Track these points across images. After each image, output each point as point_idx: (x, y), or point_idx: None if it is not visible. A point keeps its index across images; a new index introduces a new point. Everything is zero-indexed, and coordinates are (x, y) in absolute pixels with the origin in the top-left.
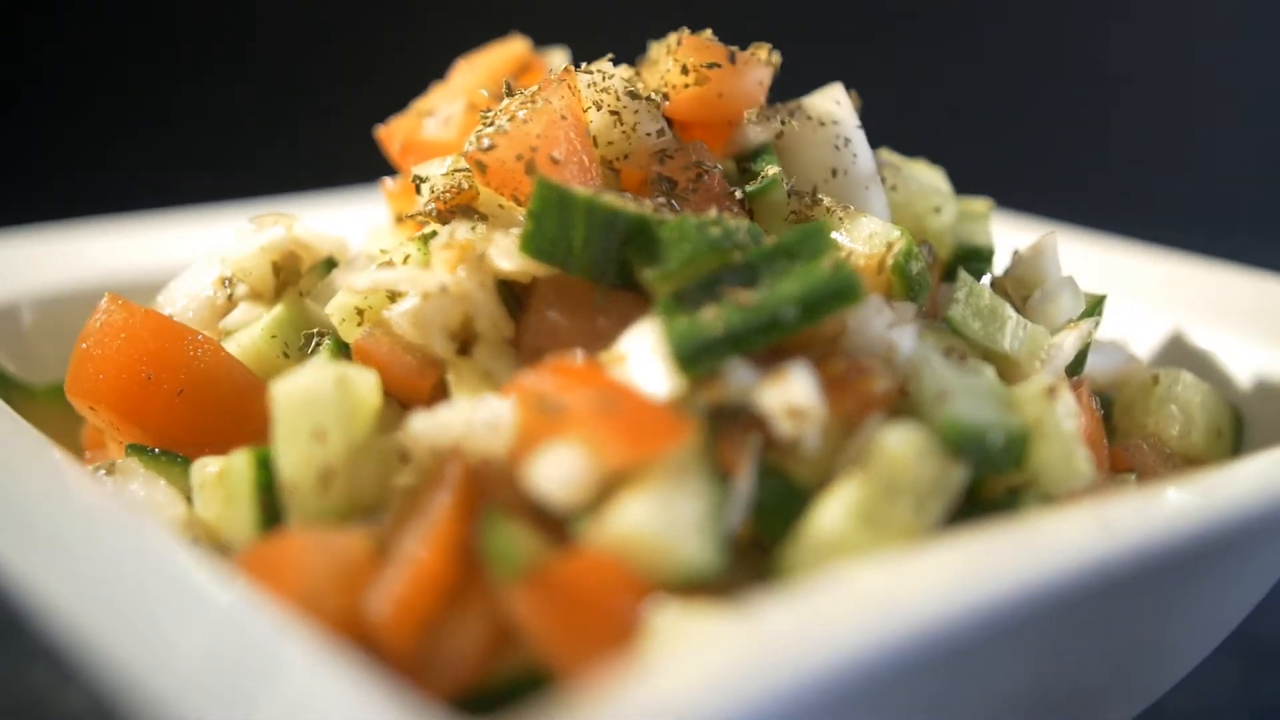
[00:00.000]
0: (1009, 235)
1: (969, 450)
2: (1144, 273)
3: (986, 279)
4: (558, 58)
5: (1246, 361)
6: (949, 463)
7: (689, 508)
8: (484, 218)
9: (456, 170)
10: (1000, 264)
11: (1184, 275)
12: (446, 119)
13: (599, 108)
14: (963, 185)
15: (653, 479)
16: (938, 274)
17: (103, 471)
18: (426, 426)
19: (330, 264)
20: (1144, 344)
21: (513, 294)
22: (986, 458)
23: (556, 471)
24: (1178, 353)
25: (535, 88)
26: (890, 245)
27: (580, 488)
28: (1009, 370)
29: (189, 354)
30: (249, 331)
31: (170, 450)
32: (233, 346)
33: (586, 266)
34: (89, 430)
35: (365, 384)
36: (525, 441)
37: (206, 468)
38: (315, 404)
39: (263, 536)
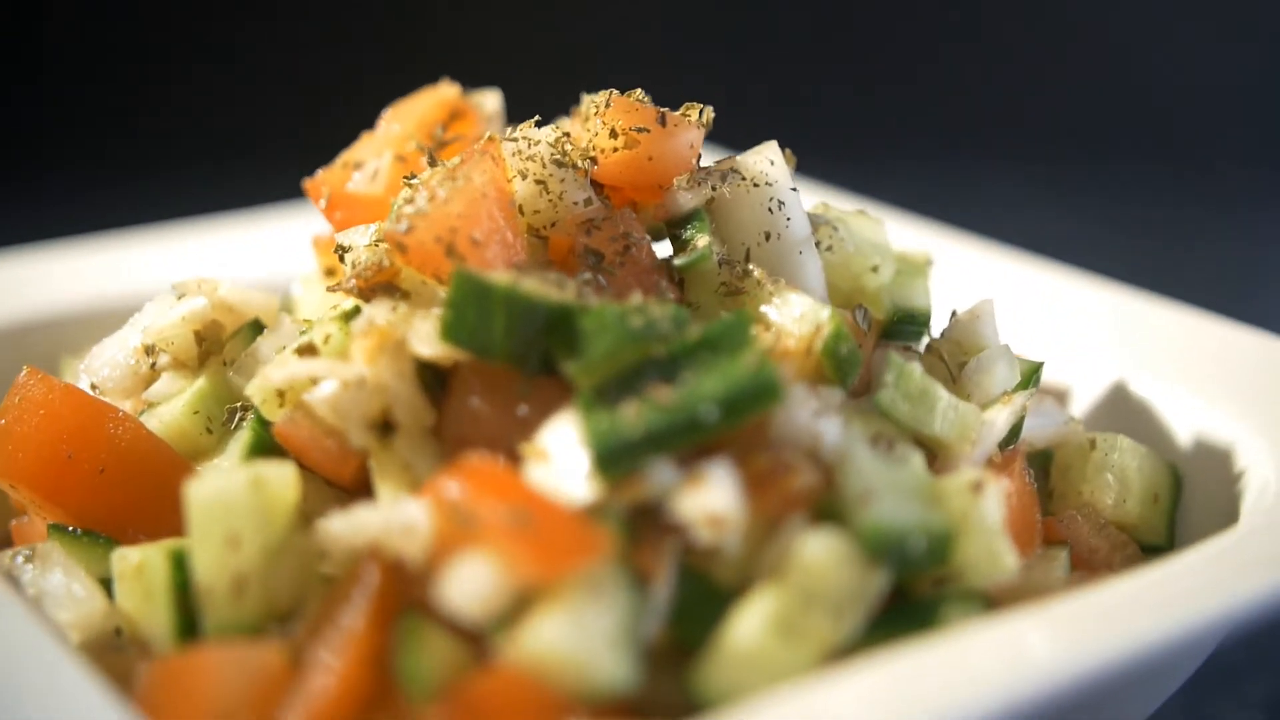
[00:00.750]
0: (950, 291)
1: (890, 556)
2: (1087, 309)
3: (924, 341)
4: (490, 101)
5: (1188, 413)
6: (870, 569)
7: (603, 622)
8: (406, 295)
9: (379, 242)
10: (940, 320)
11: (1132, 314)
12: (373, 173)
13: (524, 177)
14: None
15: (566, 594)
16: (874, 336)
17: (22, 559)
18: (343, 528)
19: (256, 327)
20: (1085, 391)
21: (436, 375)
22: (908, 562)
23: (468, 586)
24: (1118, 403)
25: (458, 159)
26: (819, 328)
27: (491, 603)
28: (940, 451)
29: (110, 432)
30: (170, 407)
31: (94, 530)
32: (155, 422)
33: (508, 354)
34: (17, 501)
35: (281, 483)
36: (441, 548)
37: (126, 558)
38: (229, 509)
39: (180, 638)
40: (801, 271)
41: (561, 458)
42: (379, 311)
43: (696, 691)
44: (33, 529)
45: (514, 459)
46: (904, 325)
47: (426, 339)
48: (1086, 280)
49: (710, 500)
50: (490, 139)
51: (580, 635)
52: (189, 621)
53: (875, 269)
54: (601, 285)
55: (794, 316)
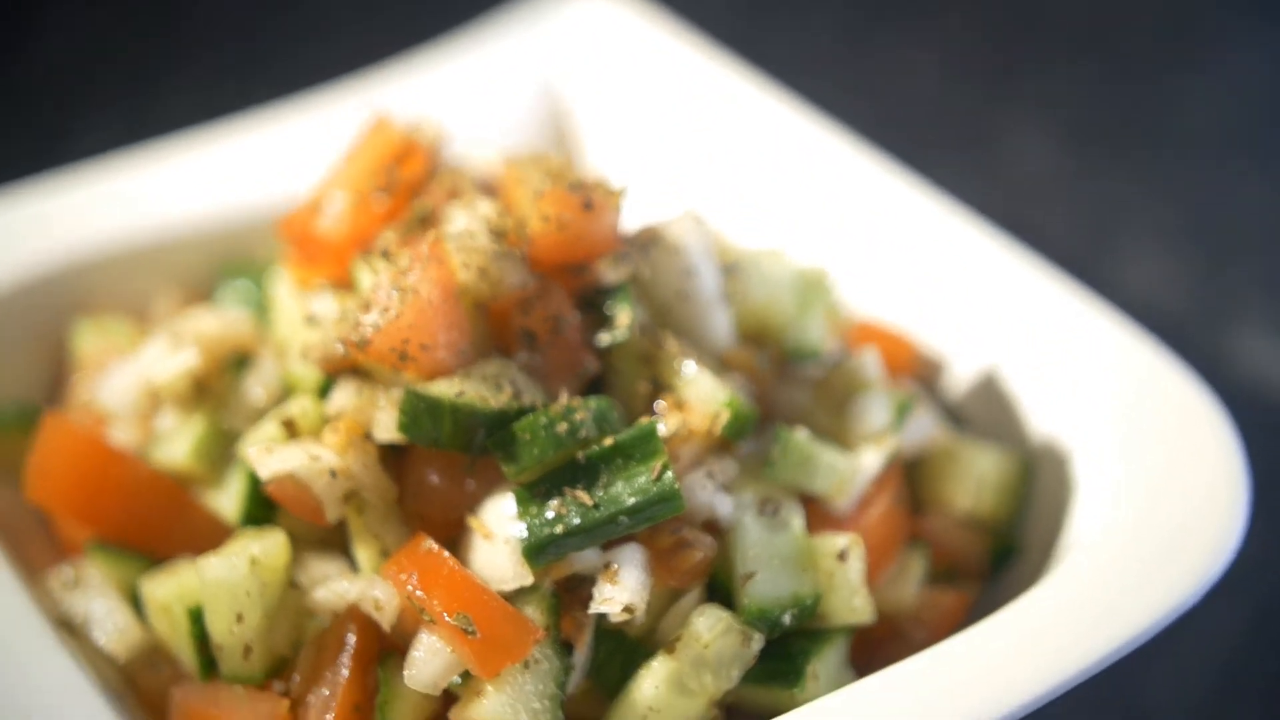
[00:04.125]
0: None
1: (767, 626)
2: (971, 281)
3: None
4: (429, 134)
5: (1047, 405)
6: (749, 635)
7: (535, 690)
8: (368, 375)
9: (343, 315)
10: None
11: (1014, 292)
12: (335, 218)
13: (468, 268)
14: None
15: (505, 675)
16: (774, 372)
17: (66, 583)
18: (327, 596)
19: (241, 361)
20: (956, 373)
21: (396, 449)
22: (782, 628)
23: (425, 666)
24: (986, 387)
25: (407, 260)
26: (717, 416)
27: (442, 680)
28: (822, 501)
29: (126, 475)
30: (174, 451)
31: (126, 545)
32: (162, 457)
33: (456, 446)
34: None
35: (275, 554)
36: (406, 621)
37: (153, 594)
38: (233, 591)
39: (204, 674)
40: (712, 327)
41: (502, 534)
42: (345, 395)
43: None
44: None
45: (463, 526)
46: (800, 359)
47: (387, 430)
48: (973, 246)
49: (622, 595)
50: (436, 240)
51: (515, 705)
52: (210, 660)
53: (777, 308)
54: (535, 364)
55: (698, 396)
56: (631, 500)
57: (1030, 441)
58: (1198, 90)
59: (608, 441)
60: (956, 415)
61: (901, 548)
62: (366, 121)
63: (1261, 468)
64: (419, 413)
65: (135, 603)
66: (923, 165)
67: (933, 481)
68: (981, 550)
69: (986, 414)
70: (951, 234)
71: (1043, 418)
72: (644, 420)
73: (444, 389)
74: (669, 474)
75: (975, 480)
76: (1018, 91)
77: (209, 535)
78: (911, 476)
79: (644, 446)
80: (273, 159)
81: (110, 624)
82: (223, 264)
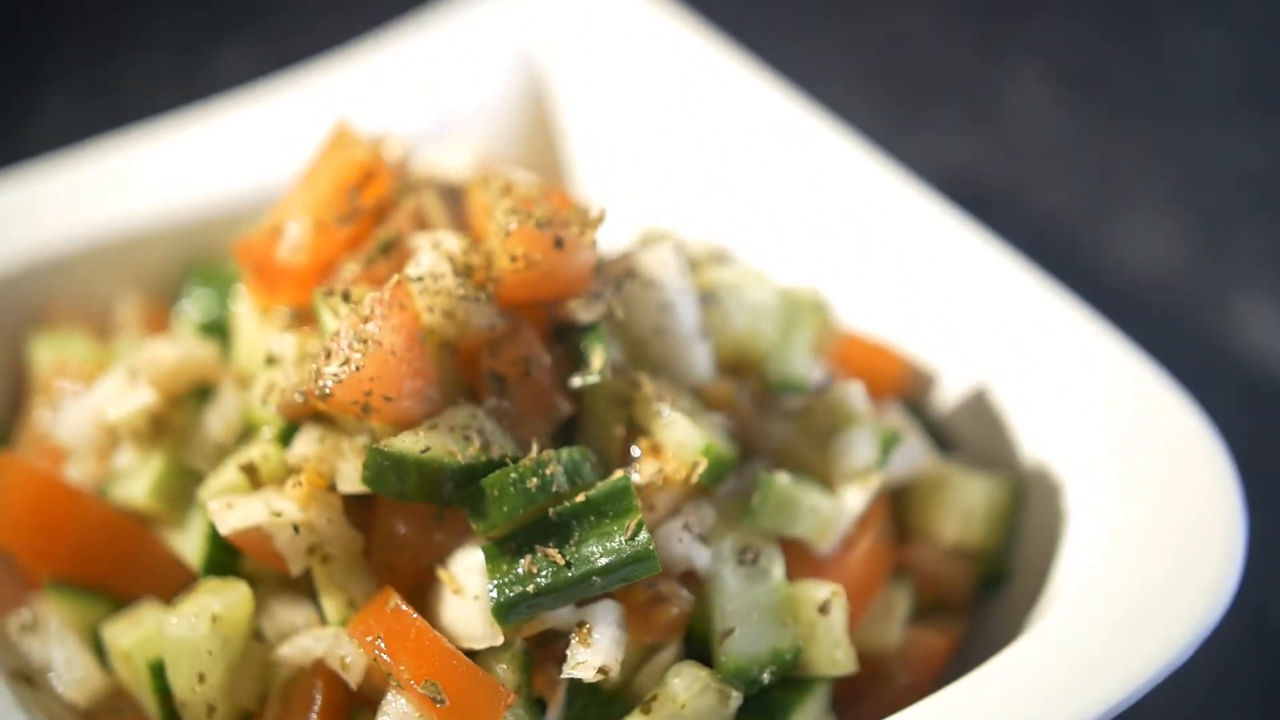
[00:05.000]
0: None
1: (745, 684)
2: (970, 289)
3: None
4: (395, 150)
5: (1044, 428)
6: (727, 692)
7: None
8: (332, 422)
9: (304, 358)
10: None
11: (1018, 307)
12: (295, 246)
13: (432, 311)
14: None
15: None
16: (755, 405)
17: (22, 628)
18: (292, 652)
19: (201, 395)
20: (951, 386)
21: (361, 497)
22: (761, 685)
23: None
24: (981, 405)
25: (369, 305)
26: (695, 465)
27: None
28: (803, 545)
29: (84, 515)
30: (133, 490)
31: (85, 585)
32: (121, 494)
33: (424, 498)
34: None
35: (237, 608)
36: (375, 675)
37: (115, 640)
38: (195, 650)
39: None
40: (691, 361)
41: (471, 590)
42: (308, 444)
43: None
44: None
45: (432, 575)
46: (783, 392)
47: (351, 482)
48: (968, 251)
49: (596, 657)
50: (399, 283)
51: None
52: (174, 714)
53: (759, 337)
54: (505, 409)
55: (674, 443)
56: (605, 561)
57: (1021, 460)
58: (1203, 42)
59: (580, 498)
60: (944, 431)
61: (885, 583)
62: (329, 132)
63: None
64: (383, 469)
65: (97, 644)
66: (918, 123)
67: (919, 510)
68: (969, 580)
69: (976, 430)
70: (945, 238)
71: (1035, 435)
72: (618, 475)
73: (408, 444)
74: (643, 535)
75: (964, 510)
76: (1015, 40)
77: (171, 576)
78: (897, 504)
79: (618, 504)
80: (241, 146)
81: (69, 672)
82: (188, 263)
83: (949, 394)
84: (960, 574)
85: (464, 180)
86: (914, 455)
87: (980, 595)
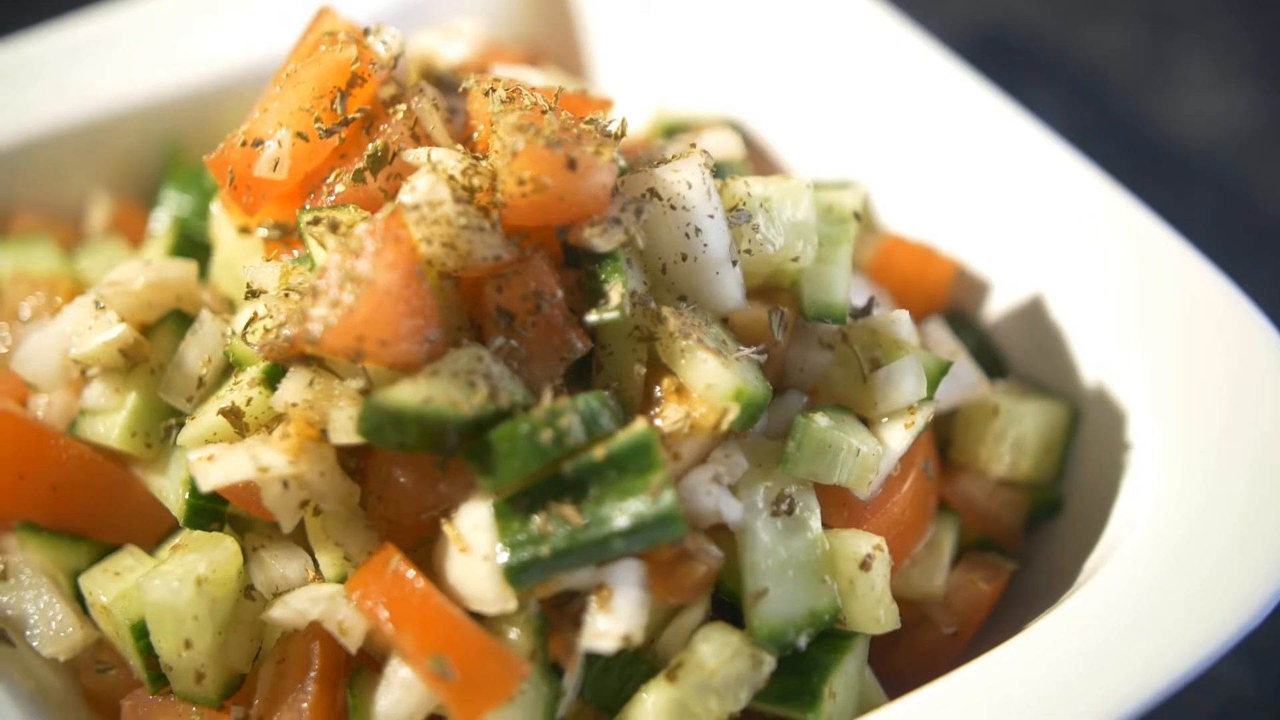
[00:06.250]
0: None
1: (780, 647)
2: (1041, 203)
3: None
4: (385, 42)
5: (1105, 351)
6: (760, 658)
7: None
8: (322, 364)
9: (289, 291)
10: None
11: (1093, 224)
12: (275, 160)
13: (431, 242)
14: None
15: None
16: (789, 333)
17: None
18: (286, 614)
19: (178, 319)
20: (1009, 303)
21: (354, 447)
22: (795, 648)
23: (400, 706)
24: (1040, 323)
25: (359, 240)
26: (725, 412)
27: (421, 716)
28: (841, 489)
29: (55, 456)
30: (107, 426)
31: (59, 530)
32: (93, 433)
33: (426, 449)
34: None
35: (224, 565)
36: (374, 637)
37: (95, 592)
38: (179, 616)
39: (154, 686)
40: (720, 289)
41: (480, 549)
42: (296, 388)
43: None
44: None
45: (435, 528)
46: (820, 320)
47: (345, 432)
48: (1027, 144)
49: (618, 626)
50: (394, 213)
51: None
52: (160, 675)
53: (796, 259)
54: (514, 348)
55: (703, 383)
56: (626, 522)
57: (1078, 377)
58: None
59: (599, 452)
60: (994, 348)
61: (929, 524)
62: (310, 22)
63: None
64: (381, 422)
65: (77, 592)
66: None
67: (966, 441)
68: (1019, 514)
69: (1028, 345)
70: (994, 124)
71: (1096, 350)
72: (639, 424)
73: (408, 395)
74: (668, 494)
75: (1015, 440)
76: None
77: (152, 519)
78: (941, 431)
79: (640, 459)
80: (224, 19)
81: (46, 625)
82: (166, 159)
83: (999, 304)
84: (1010, 508)
85: (462, 79)
86: (962, 381)
87: (1030, 527)
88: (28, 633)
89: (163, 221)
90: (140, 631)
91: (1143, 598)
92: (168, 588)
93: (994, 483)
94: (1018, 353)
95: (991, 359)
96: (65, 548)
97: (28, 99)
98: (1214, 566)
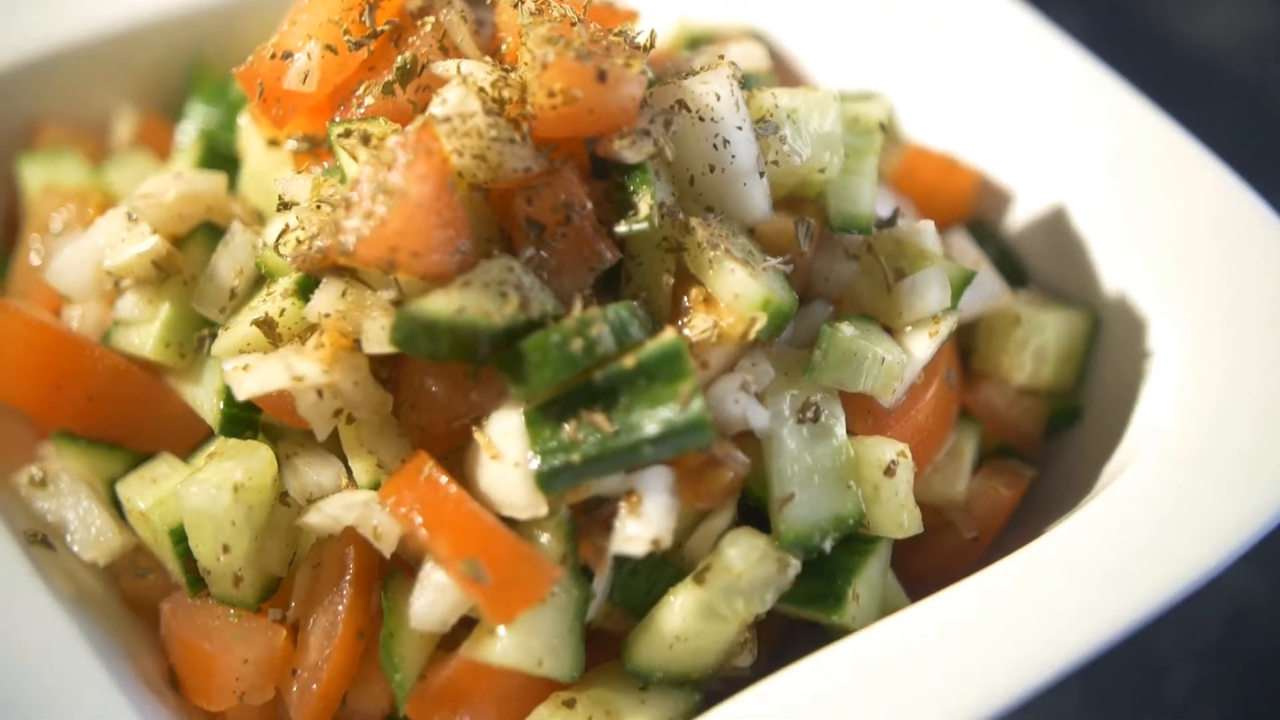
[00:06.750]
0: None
1: (805, 550)
2: (1072, 112)
3: (862, 241)
4: None
5: (1122, 252)
6: (786, 560)
7: (552, 626)
8: (354, 274)
9: (320, 204)
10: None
11: (1122, 133)
12: (304, 72)
13: (461, 155)
14: None
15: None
16: (815, 244)
17: (31, 481)
18: (321, 520)
19: (209, 231)
20: (1034, 212)
21: (386, 357)
22: (821, 551)
23: (434, 609)
24: (1065, 234)
25: (391, 152)
26: (753, 321)
27: (449, 621)
28: (865, 397)
29: (90, 366)
30: (141, 336)
31: (96, 438)
32: (128, 344)
33: (458, 359)
34: None
35: (260, 473)
36: (406, 542)
37: (133, 499)
38: (217, 522)
39: (192, 590)
40: (747, 200)
41: (511, 455)
42: (329, 299)
43: (632, 661)
44: None
45: (467, 435)
46: (846, 230)
47: (379, 342)
48: (1054, 55)
49: (647, 530)
50: (425, 125)
51: (531, 644)
52: (198, 578)
53: (822, 170)
54: (544, 259)
55: (732, 293)
56: (655, 430)
57: (1099, 286)
58: None
59: (629, 361)
60: (1015, 257)
61: (951, 431)
62: None
63: None
64: (414, 332)
65: (114, 499)
66: None
67: (988, 349)
68: (1039, 421)
69: (1049, 253)
70: (1024, 36)
71: (1117, 259)
72: (668, 333)
73: (440, 305)
74: (697, 402)
75: (1036, 349)
76: None
77: (187, 427)
78: (963, 340)
79: (669, 367)
80: None
81: (85, 531)
82: (192, 70)
83: (1021, 214)
84: (1030, 415)
85: None
86: (984, 291)
87: (1049, 435)
88: (67, 537)
89: (189, 134)
90: (178, 536)
91: (1159, 504)
92: (206, 494)
93: (1015, 391)
94: (1039, 262)
95: (1013, 268)
96: (102, 456)
97: (53, 12)
98: (1230, 474)
